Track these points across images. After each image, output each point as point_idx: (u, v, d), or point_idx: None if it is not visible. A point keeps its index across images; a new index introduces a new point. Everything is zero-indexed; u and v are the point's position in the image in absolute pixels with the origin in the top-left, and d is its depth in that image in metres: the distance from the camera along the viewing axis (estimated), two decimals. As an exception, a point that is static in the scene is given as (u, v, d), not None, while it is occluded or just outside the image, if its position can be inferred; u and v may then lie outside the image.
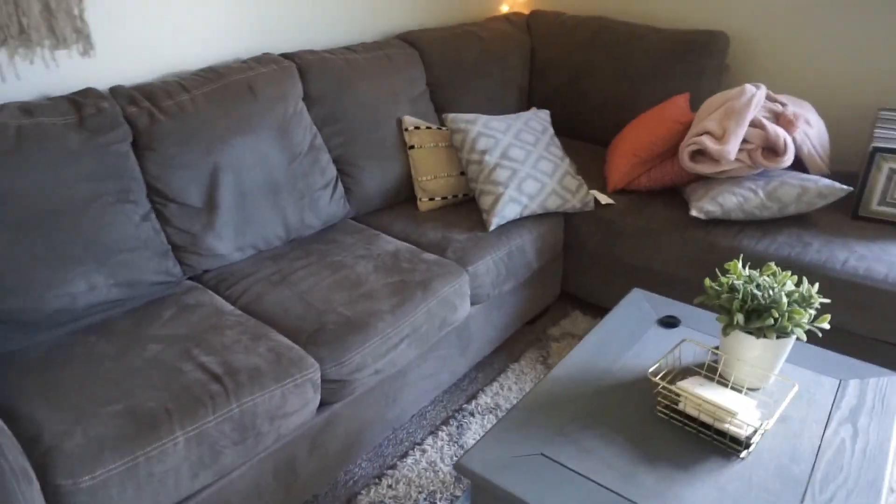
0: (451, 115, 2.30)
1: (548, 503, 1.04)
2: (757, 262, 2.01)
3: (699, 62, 2.60)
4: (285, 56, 2.16)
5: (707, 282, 1.31)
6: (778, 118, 2.15)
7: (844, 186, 2.03)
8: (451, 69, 2.62)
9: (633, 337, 1.49)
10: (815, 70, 2.57)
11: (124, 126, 1.70)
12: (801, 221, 2.15)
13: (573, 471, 1.11)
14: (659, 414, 1.24)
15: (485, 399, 2.07)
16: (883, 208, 2.09)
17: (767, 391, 1.29)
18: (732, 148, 2.07)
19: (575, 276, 2.48)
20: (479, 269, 1.98)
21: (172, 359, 1.43)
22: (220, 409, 1.31)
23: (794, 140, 2.16)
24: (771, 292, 1.20)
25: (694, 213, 2.12)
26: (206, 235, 1.82)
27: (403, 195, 2.33)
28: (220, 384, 1.36)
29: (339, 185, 2.15)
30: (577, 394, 1.30)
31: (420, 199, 2.29)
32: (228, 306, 1.69)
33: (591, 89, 2.82)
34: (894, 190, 2.06)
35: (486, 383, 2.15)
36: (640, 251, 2.22)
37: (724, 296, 1.25)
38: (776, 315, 1.18)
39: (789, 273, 1.28)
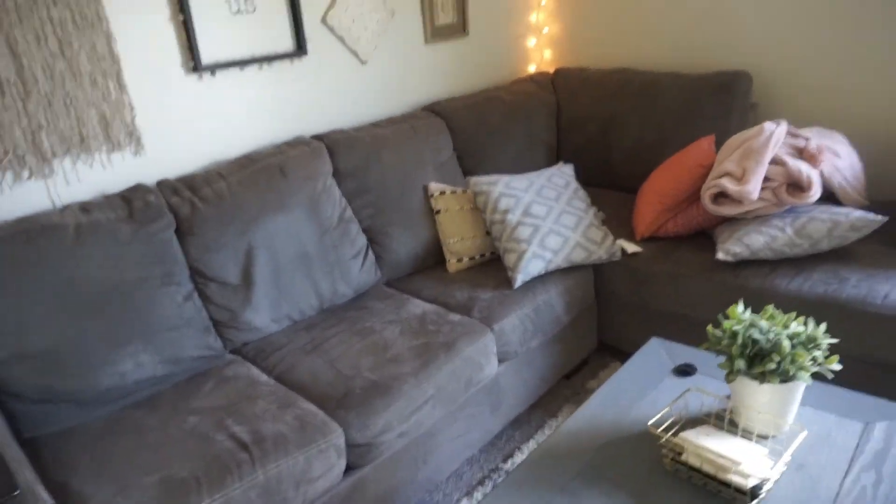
0: (473, 179, 2.40)
1: (546, 561, 1.05)
2: (789, 302, 1.96)
3: (723, 103, 2.61)
4: (316, 137, 2.33)
5: (709, 328, 1.30)
6: (801, 153, 2.12)
7: (878, 217, 1.97)
8: (477, 133, 2.73)
9: (647, 388, 1.48)
10: (846, 100, 2.53)
11: (168, 216, 1.88)
12: (837, 256, 2.08)
13: (574, 527, 1.11)
14: (666, 466, 1.23)
15: (521, 458, 2.07)
16: (925, 237, 2.01)
17: (780, 439, 1.26)
18: (753, 188, 2.06)
19: (610, 326, 2.47)
20: (505, 326, 2.02)
21: (207, 429, 1.54)
22: (246, 477, 1.40)
23: (821, 173, 2.12)
24: (771, 336, 1.19)
25: (720, 255, 2.10)
26: (244, 310, 1.95)
27: (433, 258, 2.42)
28: (247, 452, 1.45)
29: (370, 253, 2.27)
30: (584, 448, 1.30)
31: (449, 261, 2.37)
32: (264, 377, 1.79)
33: (618, 139, 2.86)
34: (934, 217, 1.98)
35: (522, 441, 2.15)
36: (670, 297, 2.20)
37: (725, 342, 1.24)
38: (776, 359, 1.17)
39: (793, 314, 1.27)
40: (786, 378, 1.19)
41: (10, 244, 1.61)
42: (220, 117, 2.18)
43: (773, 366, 1.18)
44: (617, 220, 2.59)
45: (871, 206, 2.25)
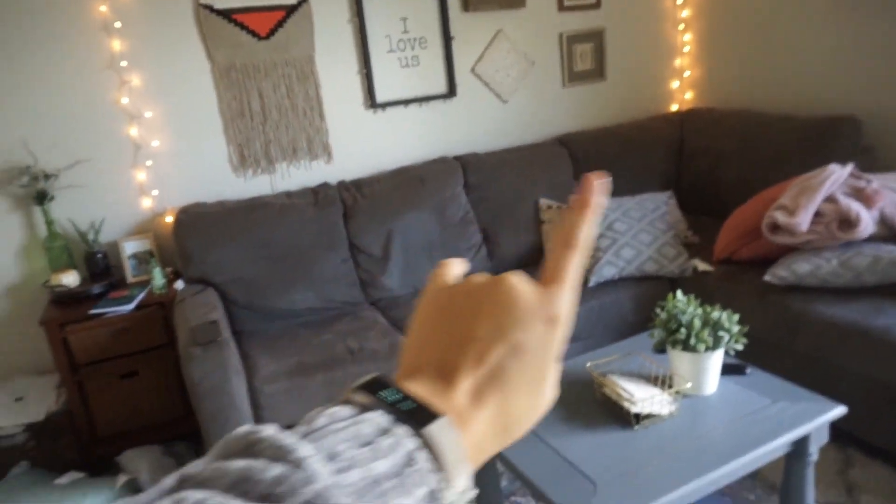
0: (571, 196, 2.94)
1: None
2: (825, 325, 2.19)
3: (826, 146, 2.81)
4: (455, 157, 3.08)
5: (657, 309, 1.75)
6: (858, 194, 2.32)
7: (921, 257, 2.12)
8: (595, 161, 3.25)
9: (628, 355, 1.93)
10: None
11: (339, 205, 2.76)
12: (885, 292, 2.23)
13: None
14: (596, 396, 1.71)
15: (572, 420, 2.57)
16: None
17: (692, 395, 1.66)
18: (801, 220, 2.32)
19: (682, 334, 2.81)
20: (569, 313, 2.55)
21: (334, 342, 2.35)
22: (346, 369, 2.17)
23: (879, 213, 2.29)
24: (684, 316, 1.62)
25: (767, 277, 2.38)
26: (381, 275, 2.76)
27: (536, 258, 3.01)
28: (351, 356, 2.23)
29: (483, 248, 2.94)
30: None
31: (546, 262, 2.94)
32: (383, 320, 2.57)
33: (725, 173, 3.16)
34: None
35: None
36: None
37: (658, 319, 1.69)
38: (683, 332, 1.60)
39: (718, 306, 1.67)
40: (692, 349, 1.61)
41: (241, 212, 2.60)
42: (385, 140, 3.04)
43: (681, 336, 1.61)
44: (707, 243, 2.92)
45: (947, 250, 2.32)
